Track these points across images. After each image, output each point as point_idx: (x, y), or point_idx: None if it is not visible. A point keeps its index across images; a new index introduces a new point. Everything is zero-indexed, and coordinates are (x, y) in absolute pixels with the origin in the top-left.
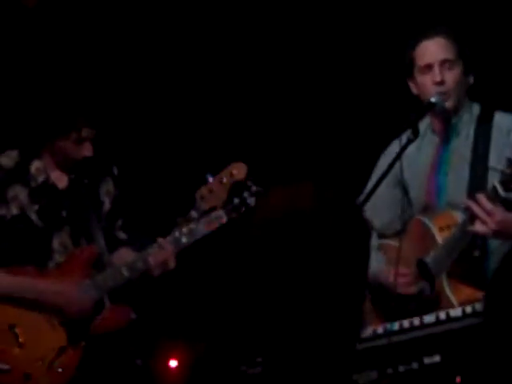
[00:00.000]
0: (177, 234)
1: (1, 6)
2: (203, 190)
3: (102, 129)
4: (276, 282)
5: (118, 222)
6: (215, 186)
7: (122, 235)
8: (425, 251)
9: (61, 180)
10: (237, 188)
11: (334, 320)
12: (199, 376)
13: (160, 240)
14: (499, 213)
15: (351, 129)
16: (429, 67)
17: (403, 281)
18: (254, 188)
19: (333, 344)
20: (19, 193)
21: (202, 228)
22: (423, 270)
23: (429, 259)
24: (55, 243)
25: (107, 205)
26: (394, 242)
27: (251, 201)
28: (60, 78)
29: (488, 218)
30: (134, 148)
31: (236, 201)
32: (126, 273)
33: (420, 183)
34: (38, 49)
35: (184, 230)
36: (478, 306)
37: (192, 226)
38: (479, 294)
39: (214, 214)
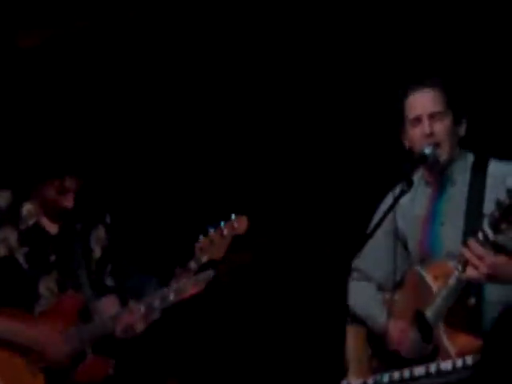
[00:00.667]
0: (155, 297)
1: None
2: (203, 242)
3: (98, 177)
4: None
5: (107, 267)
6: (216, 238)
7: (110, 282)
8: (422, 301)
9: (51, 226)
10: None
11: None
12: None
13: (131, 304)
14: (490, 256)
15: (343, 182)
16: (418, 120)
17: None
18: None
19: None
20: (9, 234)
21: (187, 289)
22: (421, 321)
23: (426, 310)
24: (42, 288)
25: (97, 252)
26: (394, 295)
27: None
28: (48, 125)
29: (479, 262)
30: (137, 198)
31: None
32: (110, 325)
33: (415, 234)
34: (30, 93)
35: (174, 286)
36: (469, 359)
37: (180, 284)
38: (476, 343)
39: (202, 275)
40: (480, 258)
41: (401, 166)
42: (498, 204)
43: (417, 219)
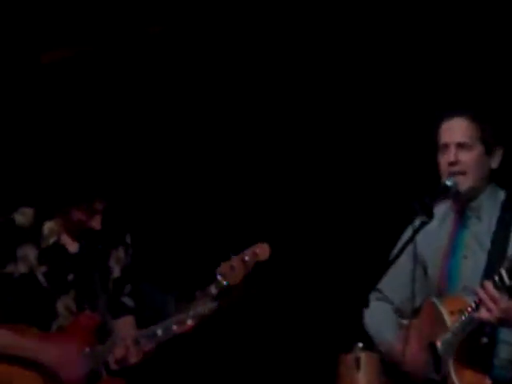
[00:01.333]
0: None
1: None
2: (224, 267)
3: (120, 198)
4: None
5: (126, 288)
6: (237, 264)
7: (129, 302)
8: (436, 333)
9: (72, 244)
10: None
11: None
12: None
13: (124, 336)
14: (504, 301)
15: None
16: (446, 147)
17: (412, 358)
18: None
19: None
20: (29, 252)
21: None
22: (433, 353)
23: (438, 342)
24: (60, 306)
25: (116, 272)
26: (410, 321)
27: None
28: (78, 148)
29: (493, 305)
30: (160, 222)
31: None
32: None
33: (435, 263)
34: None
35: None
36: None
37: (198, 309)
38: (484, 381)
39: (211, 304)
40: (494, 301)
41: (423, 197)
42: None
43: (439, 249)
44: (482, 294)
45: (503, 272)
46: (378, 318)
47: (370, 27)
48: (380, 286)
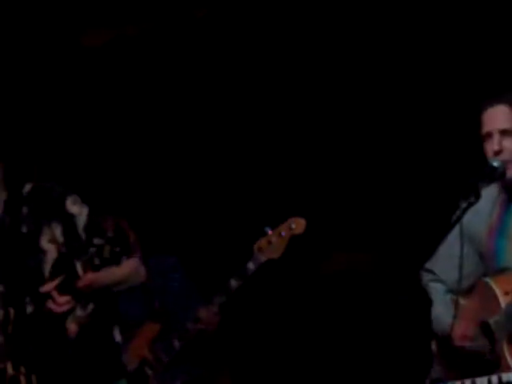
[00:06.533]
0: None
1: None
2: (261, 242)
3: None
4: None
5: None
6: (274, 239)
7: None
8: (489, 313)
9: None
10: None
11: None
12: None
13: None
14: None
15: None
16: (489, 135)
17: (462, 334)
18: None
19: None
20: None
21: None
22: (486, 332)
23: (492, 321)
24: None
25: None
26: (462, 300)
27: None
28: None
29: None
30: (194, 198)
31: None
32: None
33: (485, 243)
34: None
35: None
36: None
37: None
38: None
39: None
40: None
41: (469, 178)
42: None
43: (489, 228)
44: None
45: None
46: (433, 301)
47: (381, 22)
48: (430, 266)
